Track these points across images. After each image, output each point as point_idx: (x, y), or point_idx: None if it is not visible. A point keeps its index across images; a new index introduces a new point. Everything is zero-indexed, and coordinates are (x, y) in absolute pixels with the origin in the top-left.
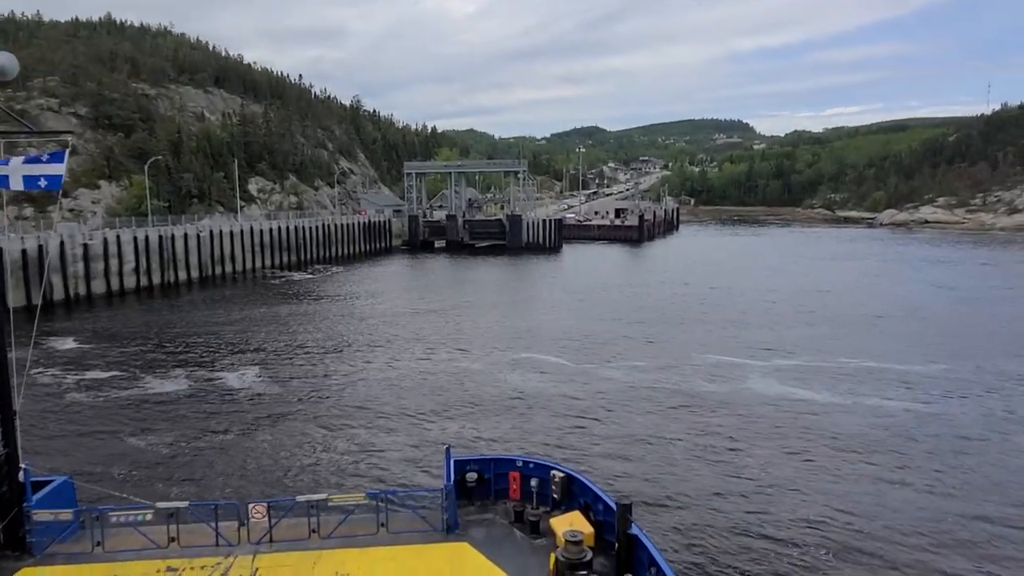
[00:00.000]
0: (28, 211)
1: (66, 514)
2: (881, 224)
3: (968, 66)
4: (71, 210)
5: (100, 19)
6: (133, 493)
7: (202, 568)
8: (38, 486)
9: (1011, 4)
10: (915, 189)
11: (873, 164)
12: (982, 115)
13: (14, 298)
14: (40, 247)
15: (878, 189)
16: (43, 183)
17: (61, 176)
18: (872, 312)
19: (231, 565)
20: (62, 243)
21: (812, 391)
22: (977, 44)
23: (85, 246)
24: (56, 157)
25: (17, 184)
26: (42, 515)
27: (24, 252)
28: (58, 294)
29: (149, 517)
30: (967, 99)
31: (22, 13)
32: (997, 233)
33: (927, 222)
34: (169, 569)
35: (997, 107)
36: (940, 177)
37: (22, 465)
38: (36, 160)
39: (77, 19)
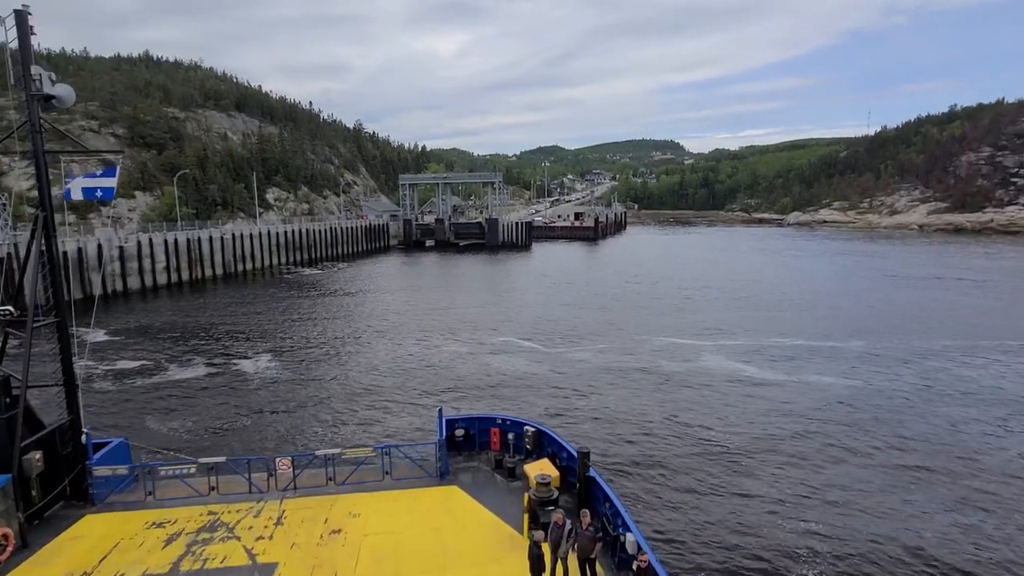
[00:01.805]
0: (71, 218)
1: (122, 469)
2: (789, 224)
3: (851, 97)
4: (110, 217)
5: (139, 55)
6: (178, 451)
7: (238, 512)
8: (98, 447)
9: (885, 47)
10: (815, 195)
11: (780, 175)
12: (866, 135)
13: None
14: (80, 249)
15: (785, 195)
16: (99, 194)
17: (113, 188)
18: (793, 297)
19: (262, 509)
20: (99, 246)
21: (755, 366)
22: (859, 78)
23: (121, 248)
24: (109, 172)
25: (78, 195)
26: (102, 471)
27: (65, 254)
28: (97, 290)
29: (192, 471)
30: (851, 123)
31: (71, 49)
32: (881, 230)
33: (825, 222)
34: (211, 513)
35: (878, 128)
36: (835, 185)
37: (84, 429)
38: (93, 175)
39: (119, 55)
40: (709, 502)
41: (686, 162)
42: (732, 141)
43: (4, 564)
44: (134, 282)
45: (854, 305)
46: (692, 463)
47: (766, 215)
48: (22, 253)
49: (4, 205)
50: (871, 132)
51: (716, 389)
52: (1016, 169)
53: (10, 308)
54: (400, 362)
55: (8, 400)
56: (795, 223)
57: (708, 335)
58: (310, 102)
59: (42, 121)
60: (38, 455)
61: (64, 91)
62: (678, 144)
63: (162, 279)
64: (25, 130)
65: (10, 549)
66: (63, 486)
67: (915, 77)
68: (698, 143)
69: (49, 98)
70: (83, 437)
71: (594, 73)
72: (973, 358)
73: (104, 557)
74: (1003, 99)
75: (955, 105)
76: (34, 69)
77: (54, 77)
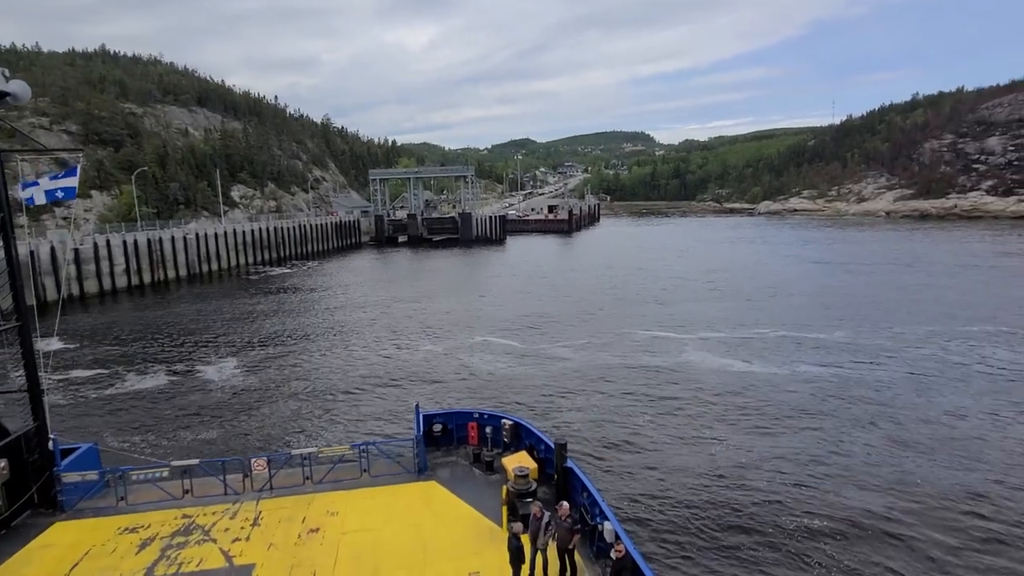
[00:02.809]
0: (22, 219)
1: (92, 475)
2: (759, 213)
3: (818, 87)
4: (64, 218)
5: (95, 50)
6: (150, 455)
7: (214, 514)
8: (66, 453)
9: (849, 37)
10: (784, 184)
11: (750, 165)
12: (832, 125)
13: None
14: (31, 253)
15: (755, 185)
16: (60, 194)
17: (75, 188)
18: (769, 287)
19: (238, 510)
20: (52, 248)
21: (741, 359)
22: (823, 70)
23: (76, 251)
24: (70, 172)
25: (41, 199)
26: (70, 477)
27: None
28: (51, 295)
29: (165, 474)
30: (818, 113)
31: (23, 44)
32: (850, 217)
33: (796, 210)
34: (185, 516)
35: (843, 118)
36: (803, 174)
37: (51, 435)
38: (55, 176)
39: (73, 49)
40: (692, 493)
41: (657, 153)
42: (702, 132)
43: None
44: (91, 286)
45: (831, 293)
46: (676, 456)
47: (737, 205)
48: None
49: None
50: (836, 121)
51: (701, 382)
52: (977, 156)
53: None
54: (375, 361)
55: None
56: (766, 212)
57: (689, 327)
58: (275, 96)
59: None
60: (3, 463)
61: (19, 87)
62: (648, 136)
63: (122, 282)
64: None
65: None
66: (30, 494)
67: (878, 66)
68: (668, 134)
69: (3, 95)
70: (50, 443)
71: (564, 65)
72: (958, 342)
73: (75, 565)
74: (963, 87)
75: (917, 94)
76: None
77: (7, 73)
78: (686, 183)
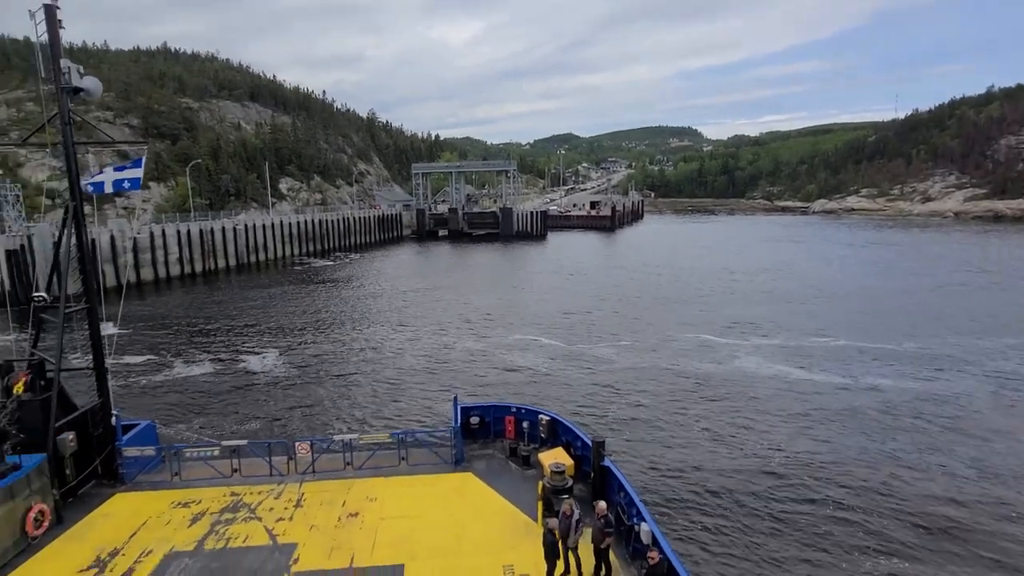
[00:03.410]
0: (88, 209)
1: (149, 450)
2: (814, 212)
3: (876, 79)
4: (125, 208)
5: (158, 47)
6: (202, 434)
7: (259, 493)
8: (127, 428)
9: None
10: (841, 182)
11: (804, 161)
12: (895, 119)
13: (72, 286)
14: (92, 241)
15: (810, 182)
16: (126, 185)
17: (140, 178)
18: (826, 291)
19: (282, 491)
20: (112, 237)
21: (799, 368)
22: (886, 61)
23: (134, 240)
24: (136, 163)
25: (109, 188)
26: (130, 451)
27: (56, 248)
28: (110, 281)
29: (216, 453)
30: (879, 107)
31: (93, 43)
32: (914, 218)
33: (853, 210)
34: (233, 494)
35: (907, 112)
36: (863, 171)
37: (114, 411)
38: (121, 167)
39: (138, 47)
40: (739, 503)
41: (704, 149)
42: (752, 127)
43: (41, 538)
44: (147, 273)
45: (896, 299)
46: (725, 465)
47: (789, 203)
48: (35, 244)
49: (18, 196)
50: (900, 116)
51: (754, 390)
52: None
53: (44, 295)
54: (414, 354)
55: (43, 383)
56: (821, 211)
57: (740, 332)
58: (323, 91)
59: (71, 113)
60: (71, 436)
61: (91, 83)
62: (696, 131)
63: (175, 270)
64: (48, 122)
65: (46, 524)
66: (95, 466)
67: (947, 58)
68: (716, 129)
69: (77, 90)
70: (113, 419)
71: (609, 59)
72: None
73: (133, 534)
74: None
75: (993, 86)
76: (63, 62)
77: (82, 70)
78: (735, 180)
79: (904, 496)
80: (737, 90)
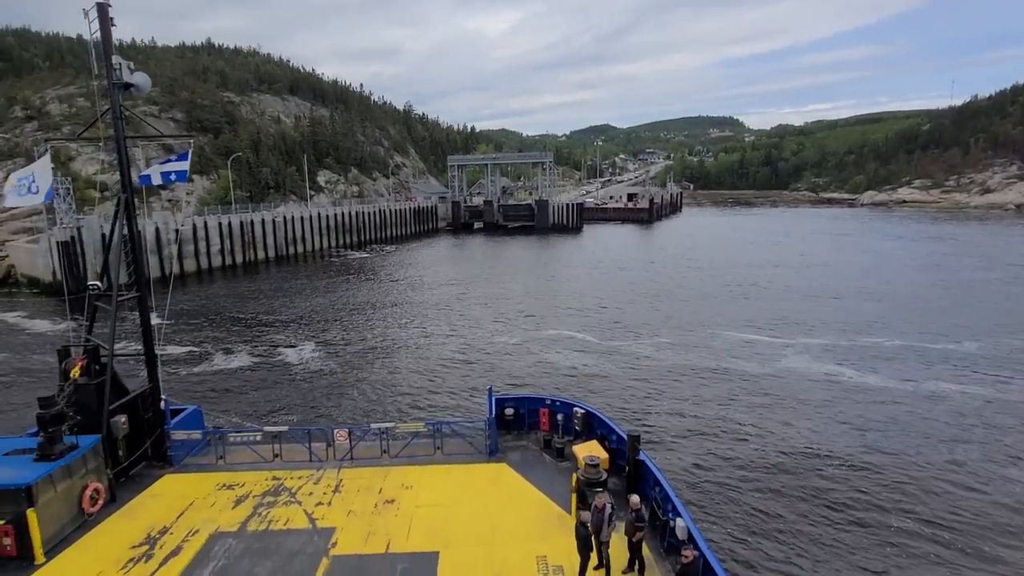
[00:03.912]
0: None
1: (196, 434)
2: (862, 204)
3: (931, 65)
4: (169, 201)
5: (202, 43)
6: (245, 419)
7: (299, 478)
8: (175, 413)
9: (969, 11)
10: (892, 173)
11: (852, 151)
12: (951, 107)
13: (121, 275)
14: (139, 232)
15: (858, 173)
16: (173, 177)
17: (186, 171)
18: (880, 287)
19: (321, 476)
20: (157, 229)
21: (852, 369)
22: (940, 46)
23: (177, 231)
24: (182, 156)
25: (156, 180)
26: (178, 435)
27: (109, 239)
28: (154, 272)
29: (258, 438)
30: (933, 94)
31: (140, 39)
32: (971, 211)
33: (905, 202)
34: (275, 478)
35: (963, 99)
36: (916, 162)
37: (163, 396)
38: (168, 160)
39: (183, 43)
40: (787, 507)
41: (746, 139)
42: (797, 116)
43: (96, 515)
44: (190, 265)
45: (957, 296)
46: (768, 467)
47: (836, 195)
48: (85, 237)
49: (69, 189)
50: (956, 103)
51: (804, 393)
52: None
53: (97, 284)
54: (449, 347)
55: (97, 367)
56: (870, 203)
57: (788, 331)
58: (360, 84)
59: (122, 108)
60: (123, 418)
61: (141, 79)
62: (737, 120)
63: (216, 262)
64: (101, 117)
65: (101, 502)
66: (145, 447)
67: (1009, 40)
68: (759, 119)
69: (128, 86)
70: (162, 403)
71: (648, 48)
72: None
73: (181, 514)
74: None
75: None
76: (115, 59)
77: (132, 66)
78: (778, 171)
79: (978, 512)
80: (781, 78)
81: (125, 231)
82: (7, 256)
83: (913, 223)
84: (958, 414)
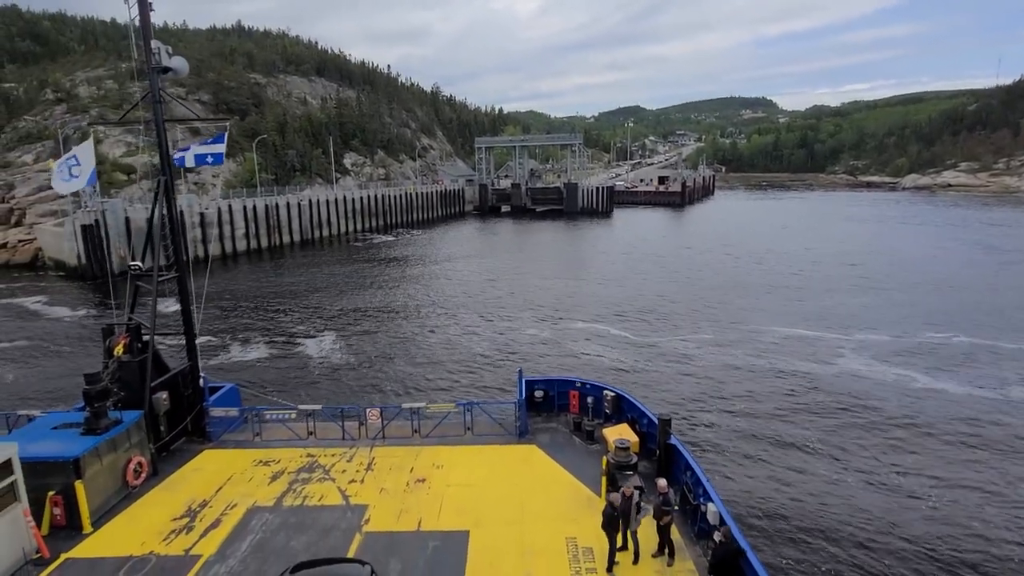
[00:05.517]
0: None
1: (233, 411)
2: (904, 188)
3: (977, 41)
4: (195, 183)
5: (232, 26)
6: (281, 397)
7: (333, 456)
8: (213, 390)
9: None
10: (936, 155)
11: (893, 133)
12: (999, 86)
13: (150, 259)
14: (180, 213)
15: (900, 156)
16: (209, 159)
17: (222, 154)
18: (937, 278)
19: (354, 455)
20: (181, 212)
21: (919, 371)
22: (986, 21)
23: (202, 215)
24: (219, 138)
25: (191, 163)
26: (217, 412)
27: (150, 220)
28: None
29: (293, 416)
30: (979, 72)
31: (173, 23)
32: (1022, 195)
33: (950, 186)
34: (309, 456)
35: (1011, 78)
36: (961, 144)
37: (202, 374)
38: (205, 142)
39: (214, 26)
40: (824, 512)
41: (780, 120)
42: (834, 97)
43: (139, 488)
44: (215, 248)
45: (1018, 290)
46: (817, 473)
47: (875, 178)
48: (109, 220)
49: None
50: (1004, 82)
51: (868, 399)
52: None
53: (139, 264)
54: (476, 334)
55: (139, 345)
56: (912, 187)
57: (839, 325)
58: (388, 65)
59: (160, 92)
60: (165, 395)
61: (179, 63)
62: (771, 101)
63: (241, 245)
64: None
65: (144, 475)
66: (185, 423)
67: None
68: (793, 100)
69: (166, 70)
70: (201, 381)
71: (680, 28)
72: None
73: (220, 488)
74: None
75: None
76: (154, 43)
77: (170, 51)
78: (814, 153)
79: None
80: (817, 57)
81: (165, 212)
82: (35, 239)
83: (961, 208)
84: None
